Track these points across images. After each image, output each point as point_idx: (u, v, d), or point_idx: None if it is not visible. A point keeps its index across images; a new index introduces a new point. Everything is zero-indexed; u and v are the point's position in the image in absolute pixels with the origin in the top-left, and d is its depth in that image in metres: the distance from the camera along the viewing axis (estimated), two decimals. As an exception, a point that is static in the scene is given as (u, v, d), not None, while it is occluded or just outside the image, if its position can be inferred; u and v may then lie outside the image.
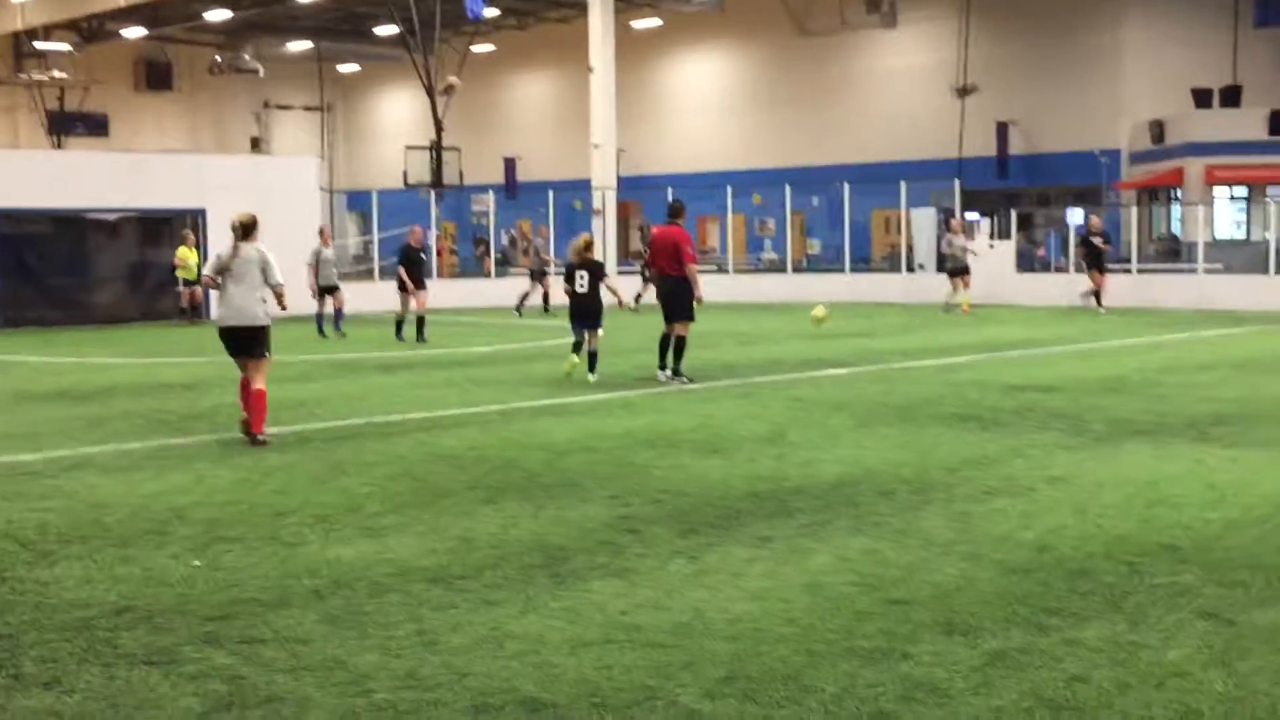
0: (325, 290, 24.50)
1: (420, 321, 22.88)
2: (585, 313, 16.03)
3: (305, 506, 8.71)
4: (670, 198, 32.82)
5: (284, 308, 12.15)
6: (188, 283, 28.35)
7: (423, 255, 23.86)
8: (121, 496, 9.12)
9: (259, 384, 11.60)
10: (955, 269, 29.34)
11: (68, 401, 14.70)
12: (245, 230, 11.83)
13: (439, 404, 14.08)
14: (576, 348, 16.21)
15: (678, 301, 15.72)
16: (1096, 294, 28.50)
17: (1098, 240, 28.63)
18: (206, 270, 11.94)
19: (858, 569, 6.95)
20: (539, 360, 19.08)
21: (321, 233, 25.22)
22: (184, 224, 29.67)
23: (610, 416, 12.94)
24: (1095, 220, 29.73)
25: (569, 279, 16.07)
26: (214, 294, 12.24)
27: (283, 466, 10.25)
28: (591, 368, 15.89)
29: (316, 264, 24.41)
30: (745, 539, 7.65)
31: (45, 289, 28.36)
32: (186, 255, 28.08)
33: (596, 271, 16.06)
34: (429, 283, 24.44)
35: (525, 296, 30.69)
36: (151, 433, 12.24)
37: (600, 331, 16.13)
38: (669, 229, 15.82)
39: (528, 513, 8.44)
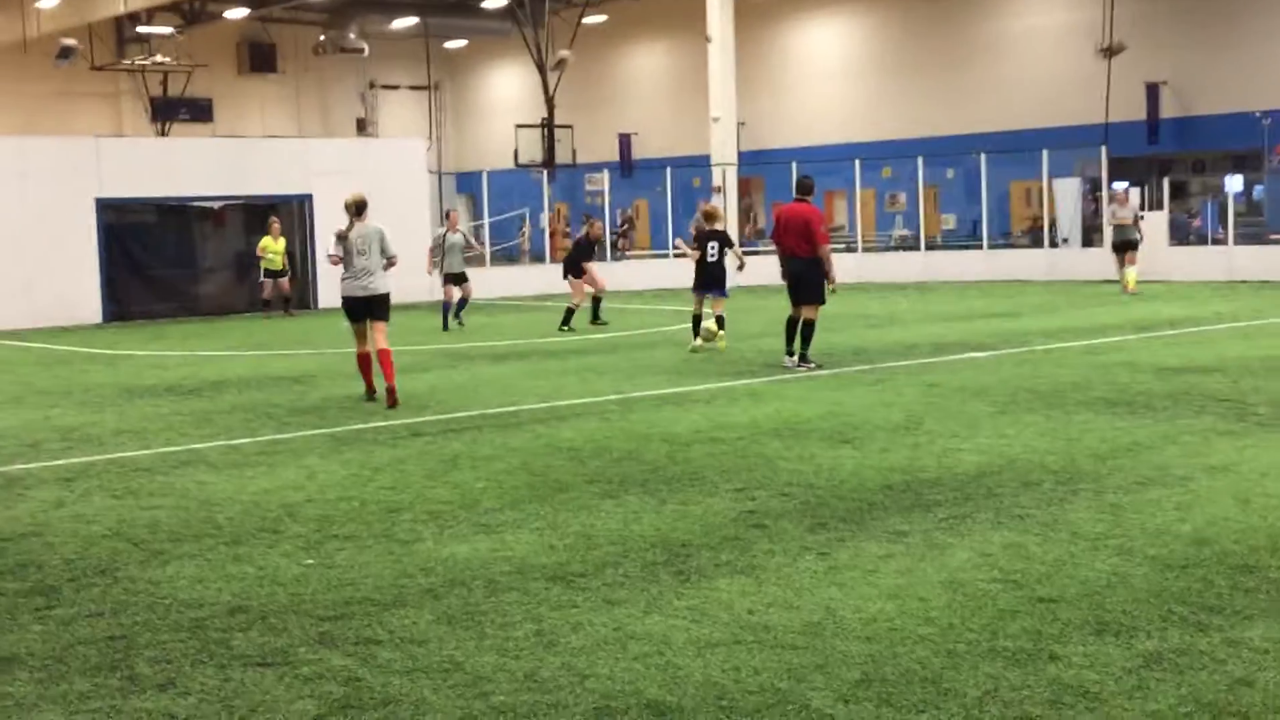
0: (452, 279, 23.92)
1: (597, 302, 23.92)
2: (715, 280, 18.02)
3: (419, 502, 8.84)
4: (794, 173, 32.47)
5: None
6: (270, 273, 28.75)
7: (595, 248, 24.82)
8: (232, 493, 9.35)
9: (385, 344, 13.67)
10: (1122, 243, 28.13)
11: (176, 396, 15.09)
12: (359, 208, 13.58)
13: (556, 394, 14.20)
14: (696, 326, 18.26)
15: (808, 283, 15.67)
16: None
17: None
18: (331, 250, 13.75)
19: (1000, 565, 6.88)
20: (660, 346, 19.13)
21: (449, 216, 25.33)
22: (288, 211, 30.25)
23: (735, 405, 12.95)
24: None
25: (700, 247, 18.11)
26: (338, 268, 13.99)
27: (395, 461, 10.42)
28: (721, 326, 18.11)
29: (442, 249, 24.08)
30: (879, 534, 7.62)
31: (151, 281, 29.09)
32: (269, 245, 28.37)
33: (725, 241, 18.17)
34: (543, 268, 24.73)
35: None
36: (261, 427, 12.52)
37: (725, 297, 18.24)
38: (798, 206, 15.77)
39: (650, 507, 8.48)
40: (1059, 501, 8.29)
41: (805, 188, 16.06)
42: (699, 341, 18.02)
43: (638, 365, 16.74)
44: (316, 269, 30.41)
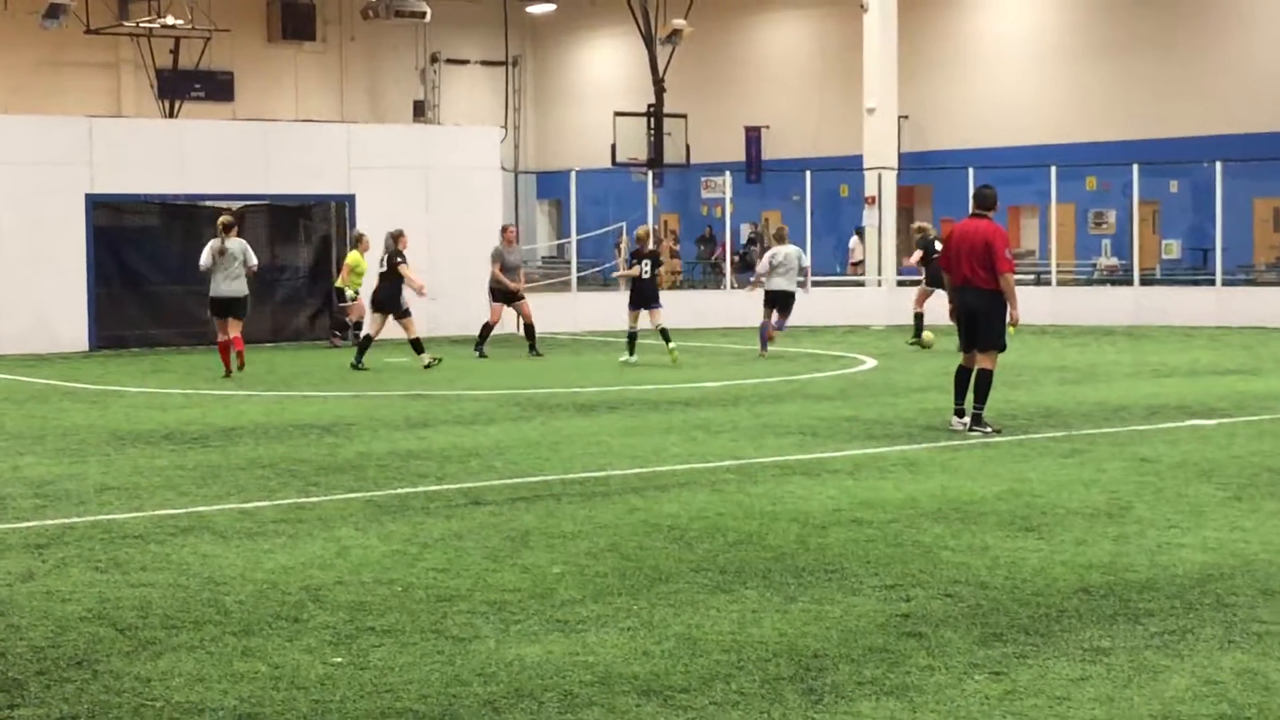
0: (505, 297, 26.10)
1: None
2: (650, 296, 24.97)
3: (478, 590, 8.88)
4: (971, 181, 32.48)
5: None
6: (343, 295, 29.05)
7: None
8: (243, 571, 9.45)
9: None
10: None
11: (177, 445, 15.30)
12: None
13: (656, 457, 14.21)
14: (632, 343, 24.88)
15: (987, 323, 15.57)
16: None
17: None
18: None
19: (1231, 697, 6.77)
20: (789, 399, 19.11)
21: (505, 231, 26.15)
22: (323, 215, 30.65)
23: (886, 478, 12.87)
24: None
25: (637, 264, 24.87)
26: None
27: (449, 536, 10.47)
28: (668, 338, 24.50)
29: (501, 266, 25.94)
30: (1072, 651, 7.53)
31: (151, 300, 29.50)
32: (359, 262, 28.34)
33: (656, 260, 25.39)
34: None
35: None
36: (282, 488, 12.64)
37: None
38: (977, 223, 15.70)
39: (773, 606, 8.45)
40: (1310, 616, 8.15)
41: (986, 200, 15.98)
42: (633, 358, 24.66)
43: (761, 423, 16.71)
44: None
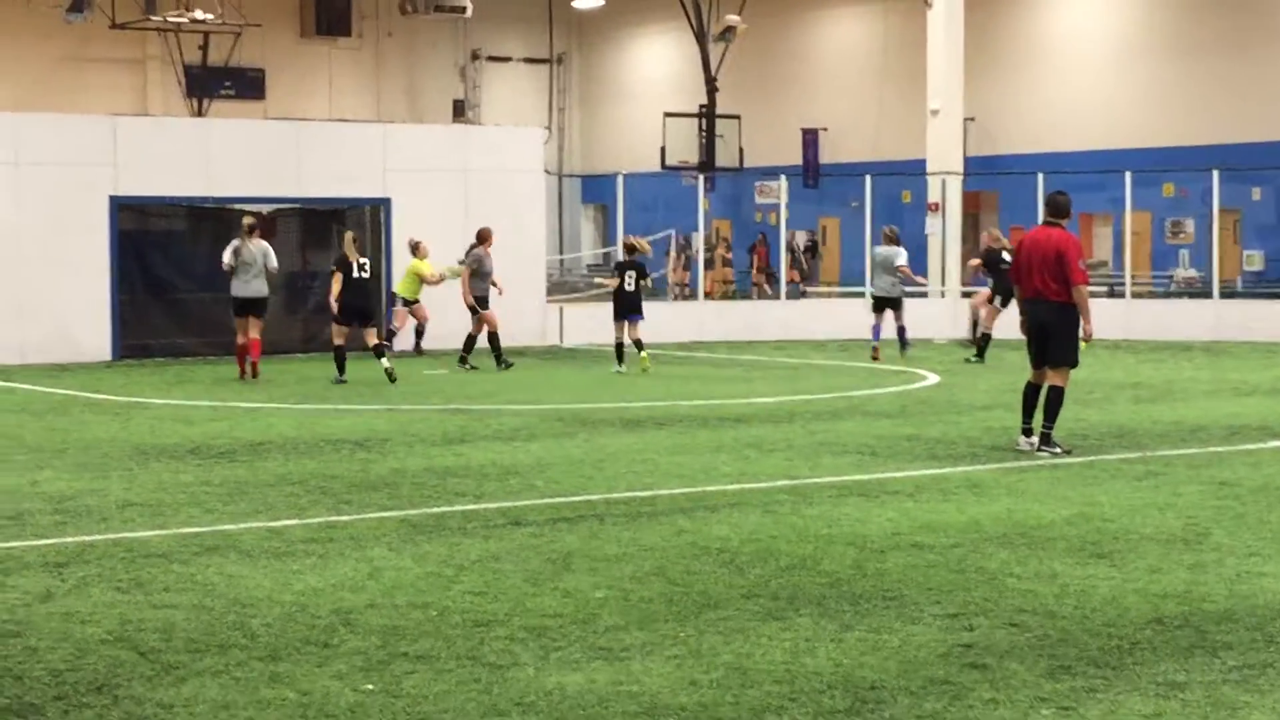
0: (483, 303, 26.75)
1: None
2: (633, 307, 26.05)
3: (517, 614, 8.89)
4: (1042, 187, 32.41)
5: None
6: (407, 302, 29.05)
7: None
8: (271, 592, 9.48)
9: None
10: None
11: (202, 460, 15.37)
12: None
13: (705, 476, 14.20)
14: (620, 353, 25.83)
15: (1059, 338, 15.53)
16: None
17: None
18: None
19: (1314, 736, 6.73)
20: (847, 416, 19.08)
21: (486, 236, 26.68)
22: (357, 218, 30.74)
23: (948, 501, 12.84)
24: None
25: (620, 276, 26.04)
26: None
27: (487, 558, 10.49)
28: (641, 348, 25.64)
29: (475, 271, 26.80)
30: (1145, 685, 7.50)
31: (177, 307, 29.66)
32: (422, 268, 28.30)
33: (641, 271, 26.19)
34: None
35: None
36: (312, 506, 12.68)
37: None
38: (1049, 232, 15.64)
39: (829, 634, 8.44)
40: (1399, 651, 8.10)
41: (1059, 208, 15.91)
42: (622, 367, 25.54)
43: (817, 441, 16.69)
44: (392, 299, 30.83)
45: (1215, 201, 36.48)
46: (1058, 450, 15.48)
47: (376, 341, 24.29)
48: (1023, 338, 16.08)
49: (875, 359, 28.14)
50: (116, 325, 28.75)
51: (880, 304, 28.92)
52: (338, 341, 24.03)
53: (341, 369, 23.65)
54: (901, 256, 28.73)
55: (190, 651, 8.12)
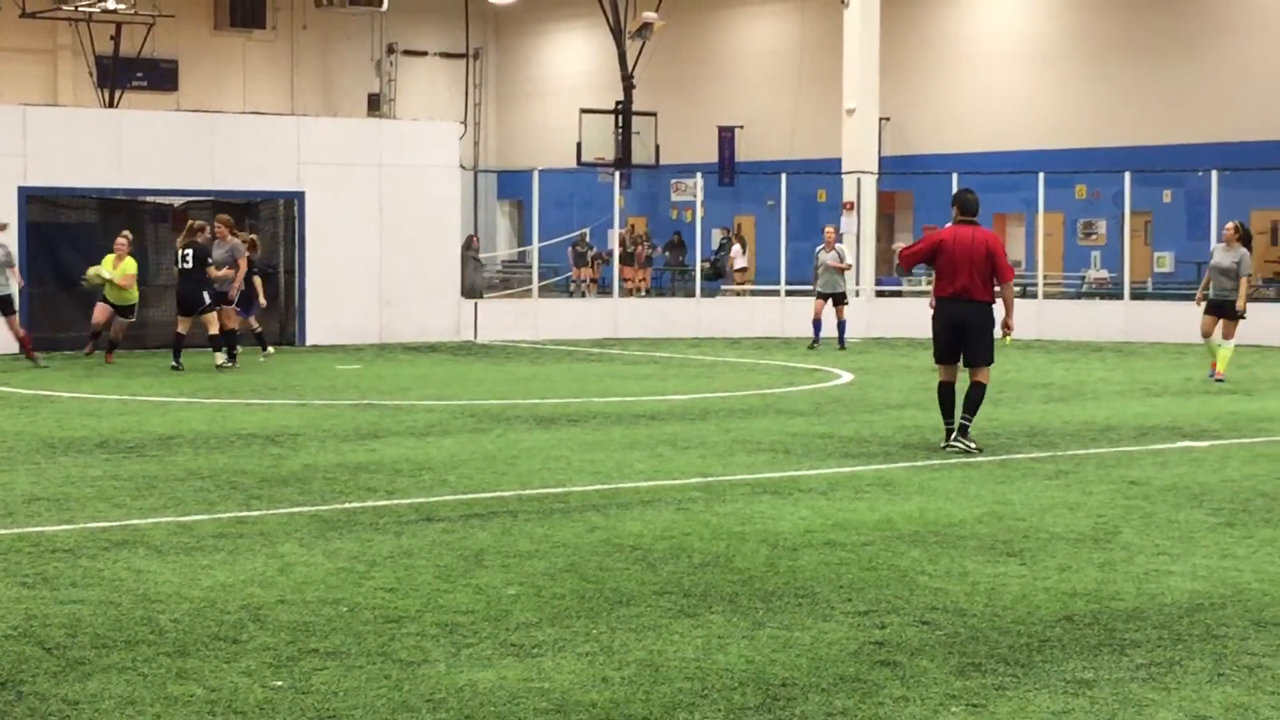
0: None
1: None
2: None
3: (428, 611, 8.86)
4: (955, 186, 32.55)
5: None
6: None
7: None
8: (180, 588, 9.41)
9: None
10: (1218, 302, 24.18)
11: (111, 454, 15.24)
12: None
13: (619, 474, 14.20)
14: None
15: (985, 337, 15.66)
16: None
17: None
18: None
19: (1220, 733, 6.79)
20: (761, 414, 19.12)
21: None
22: (270, 213, 30.59)
23: (861, 499, 12.88)
24: None
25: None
26: None
27: (399, 554, 10.45)
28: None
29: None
30: (1054, 683, 7.55)
31: (87, 300, 29.34)
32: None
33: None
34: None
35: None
36: (222, 501, 12.59)
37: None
38: (974, 231, 15.65)
39: (740, 631, 8.45)
40: (1304, 649, 8.18)
41: (972, 206, 15.94)
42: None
43: (731, 438, 16.71)
44: (305, 294, 30.71)
45: (1127, 203, 36.77)
46: (972, 446, 15.54)
47: (214, 332, 24.89)
48: (926, 336, 16.15)
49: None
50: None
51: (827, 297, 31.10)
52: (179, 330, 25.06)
53: (175, 356, 24.77)
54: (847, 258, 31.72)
55: (97, 647, 8.05)
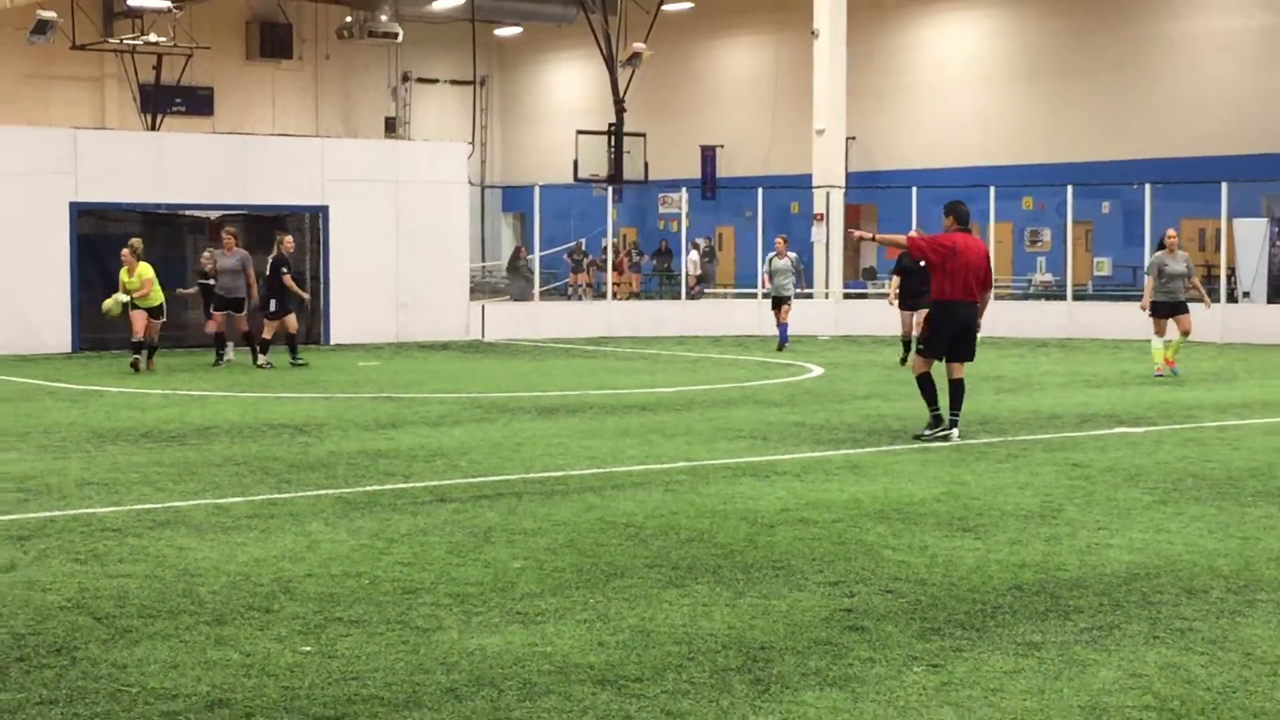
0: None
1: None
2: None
3: (442, 583, 8.86)
4: (915, 200, 32.49)
5: None
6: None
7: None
8: (217, 563, 9.41)
9: None
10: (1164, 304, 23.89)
11: (154, 443, 15.23)
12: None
13: (613, 458, 14.20)
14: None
15: (975, 337, 15.74)
16: None
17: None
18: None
19: (1155, 689, 6.81)
20: (741, 405, 19.12)
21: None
22: (297, 225, 30.54)
23: (831, 480, 12.89)
24: None
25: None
26: None
27: (415, 532, 10.45)
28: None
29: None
30: (1006, 645, 7.56)
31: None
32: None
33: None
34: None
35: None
36: (255, 485, 12.60)
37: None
38: (972, 240, 15.60)
39: (723, 600, 8.46)
40: (1230, 614, 8.18)
41: (966, 216, 15.69)
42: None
43: (714, 427, 16.72)
44: (330, 298, 30.70)
45: (1069, 214, 36.81)
46: (946, 435, 15.47)
47: (267, 337, 25.26)
48: (927, 333, 16.10)
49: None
50: (76, 320, 28.53)
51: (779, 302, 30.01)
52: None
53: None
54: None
55: (143, 617, 8.05)
